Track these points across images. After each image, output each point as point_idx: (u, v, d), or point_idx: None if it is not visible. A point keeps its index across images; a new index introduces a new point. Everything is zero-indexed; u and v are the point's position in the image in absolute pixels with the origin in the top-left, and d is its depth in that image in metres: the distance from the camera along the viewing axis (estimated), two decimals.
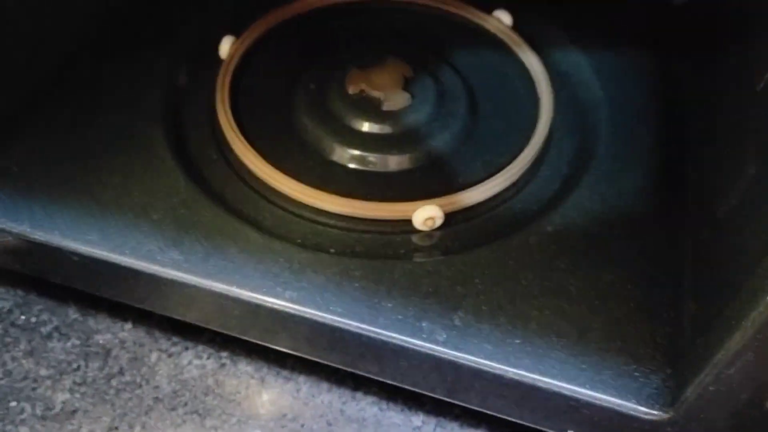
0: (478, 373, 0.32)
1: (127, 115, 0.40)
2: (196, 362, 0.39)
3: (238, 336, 0.37)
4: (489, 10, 0.49)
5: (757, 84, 0.33)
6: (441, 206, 0.37)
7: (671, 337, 0.32)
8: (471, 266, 0.35)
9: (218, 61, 0.44)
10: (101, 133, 0.40)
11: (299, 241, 0.36)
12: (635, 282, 0.35)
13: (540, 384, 0.31)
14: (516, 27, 0.48)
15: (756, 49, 0.36)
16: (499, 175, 0.39)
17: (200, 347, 0.40)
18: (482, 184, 0.38)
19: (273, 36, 0.47)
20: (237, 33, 0.46)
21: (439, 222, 0.37)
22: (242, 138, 0.39)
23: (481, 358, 0.32)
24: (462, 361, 0.32)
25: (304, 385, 0.38)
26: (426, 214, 0.36)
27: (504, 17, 0.48)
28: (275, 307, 0.33)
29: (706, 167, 0.38)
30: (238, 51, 0.44)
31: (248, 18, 0.47)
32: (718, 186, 0.35)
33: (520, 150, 0.40)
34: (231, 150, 0.40)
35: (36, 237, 0.36)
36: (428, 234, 0.37)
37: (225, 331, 0.37)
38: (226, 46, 0.44)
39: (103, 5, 0.47)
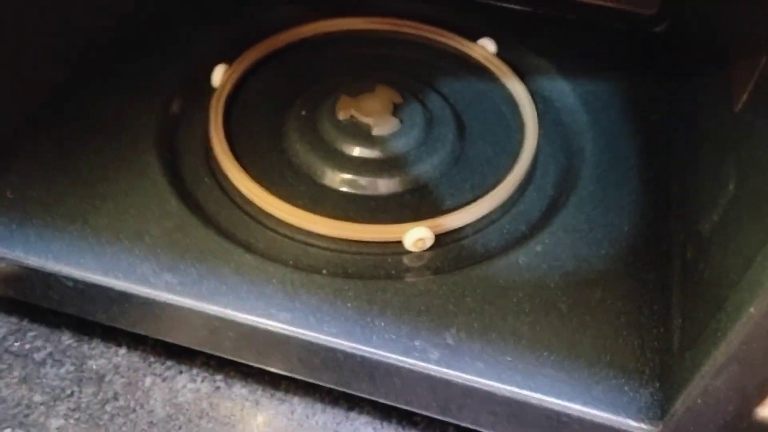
0: (470, 391, 0.32)
1: (121, 142, 0.41)
2: (190, 386, 0.39)
3: (232, 358, 0.37)
4: (474, 39, 0.50)
5: (735, 105, 0.34)
6: (431, 228, 0.38)
7: (660, 351, 0.33)
8: (462, 285, 0.35)
9: (211, 89, 0.45)
10: (95, 159, 0.41)
11: (292, 263, 0.36)
12: (624, 299, 0.35)
13: (531, 400, 0.31)
14: (500, 55, 0.49)
15: (732, 72, 0.37)
16: (487, 197, 0.40)
17: (194, 371, 0.40)
18: (471, 205, 0.39)
19: (264, 64, 0.48)
20: (229, 61, 0.47)
21: (429, 243, 0.38)
22: (235, 163, 0.40)
23: (474, 375, 0.32)
24: (455, 379, 0.32)
25: (298, 406, 0.38)
26: (416, 236, 0.37)
27: (489, 45, 0.50)
28: (269, 328, 0.34)
29: (690, 186, 0.39)
30: (231, 78, 0.45)
31: (240, 47, 0.48)
32: (702, 204, 0.36)
33: (507, 172, 0.41)
34: (224, 174, 0.41)
35: (30, 262, 0.36)
36: (419, 255, 0.38)
37: (219, 354, 0.37)
38: (219, 74, 0.45)
39: (98, 34, 0.48)
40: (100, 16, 0.48)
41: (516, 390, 0.31)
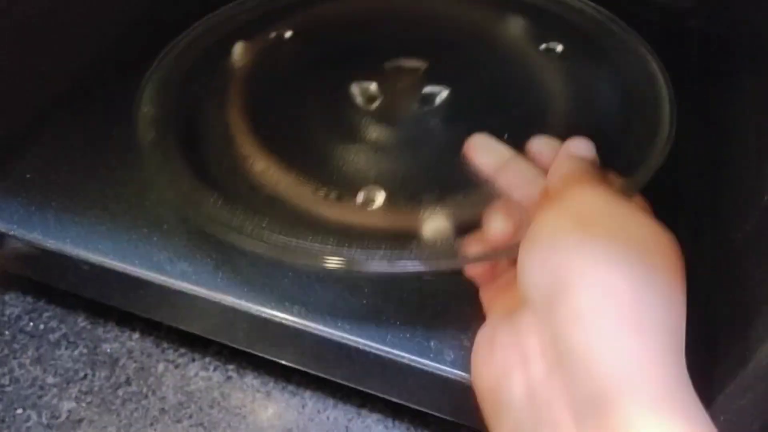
0: None
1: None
2: (202, 374, 0.39)
3: (245, 349, 0.37)
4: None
5: None
6: (449, 217, 0.36)
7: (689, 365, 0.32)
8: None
9: (229, 69, 0.44)
10: (115, 145, 0.40)
11: (308, 255, 0.36)
12: None
13: None
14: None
15: None
16: None
17: (207, 359, 0.39)
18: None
19: (286, 41, 0.47)
20: (249, 38, 0.45)
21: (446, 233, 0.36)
22: (257, 149, 0.39)
23: None
24: (470, 382, 0.31)
25: (309, 400, 0.38)
26: (435, 226, 0.36)
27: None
28: (282, 321, 0.33)
29: (721, 192, 0.38)
30: (250, 56, 0.44)
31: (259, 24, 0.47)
32: (734, 212, 0.35)
33: None
34: (244, 161, 0.39)
35: (48, 245, 0.36)
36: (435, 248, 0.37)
37: (232, 344, 0.37)
38: (238, 51, 0.44)
39: (119, 18, 0.47)
40: (124, 10, 0.47)
41: None
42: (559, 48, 0.46)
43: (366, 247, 0.34)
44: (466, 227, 0.33)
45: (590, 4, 0.47)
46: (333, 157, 0.39)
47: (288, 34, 0.47)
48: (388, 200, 0.36)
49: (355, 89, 0.42)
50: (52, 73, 0.42)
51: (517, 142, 0.37)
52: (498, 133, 0.39)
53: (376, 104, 0.41)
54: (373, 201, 0.36)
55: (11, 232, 0.36)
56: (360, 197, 0.36)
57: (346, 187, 0.37)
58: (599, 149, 0.35)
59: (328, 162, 0.39)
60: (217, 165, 0.38)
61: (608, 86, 0.43)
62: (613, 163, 0.34)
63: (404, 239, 0.34)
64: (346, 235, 0.35)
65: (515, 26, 0.48)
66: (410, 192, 0.38)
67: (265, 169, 0.38)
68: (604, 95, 0.43)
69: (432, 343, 0.32)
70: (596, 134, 0.38)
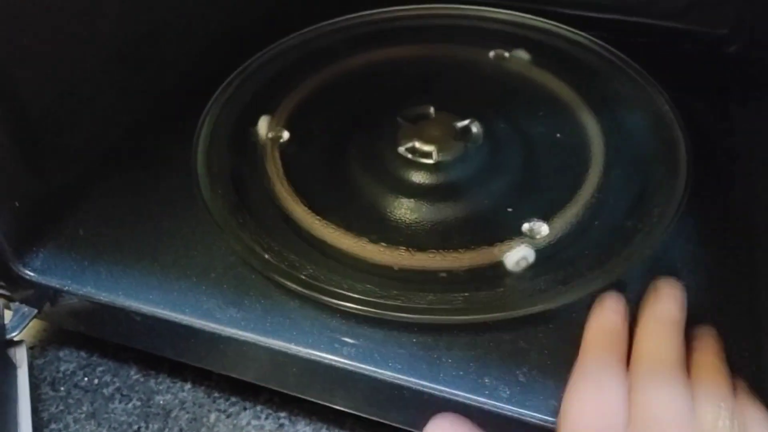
0: (545, 431, 0.30)
1: (187, 180, 0.41)
2: (254, 422, 0.38)
3: (296, 395, 0.36)
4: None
5: None
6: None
7: (755, 392, 0.30)
8: (533, 320, 0.34)
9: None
10: (163, 197, 0.41)
11: (356, 296, 0.35)
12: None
13: None
14: (563, 78, 0.48)
15: None
16: (558, 217, 0.38)
17: (258, 407, 0.39)
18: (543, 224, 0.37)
19: (309, 104, 0.48)
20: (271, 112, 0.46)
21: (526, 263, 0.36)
22: (298, 199, 0.40)
23: (548, 415, 0.30)
24: (528, 419, 0.30)
25: None
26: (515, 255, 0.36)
27: (523, 55, 0.49)
28: (333, 363, 0.33)
29: None
30: (280, 126, 0.45)
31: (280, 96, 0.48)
32: None
33: (576, 195, 0.39)
34: (287, 210, 0.40)
35: (100, 298, 0.37)
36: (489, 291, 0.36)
37: (283, 390, 0.37)
38: (263, 125, 0.45)
39: (166, 77, 0.49)
40: (170, 69, 0.49)
41: None
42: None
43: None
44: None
45: (612, 50, 0.48)
46: (379, 206, 0.40)
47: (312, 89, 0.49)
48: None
49: (400, 144, 0.42)
50: (101, 130, 0.44)
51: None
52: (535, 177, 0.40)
53: (418, 154, 0.42)
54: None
55: (65, 288, 0.37)
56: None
57: (394, 234, 0.38)
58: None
59: (375, 211, 0.40)
60: (269, 218, 0.40)
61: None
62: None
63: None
64: (391, 278, 0.36)
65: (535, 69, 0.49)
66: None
67: (311, 220, 0.39)
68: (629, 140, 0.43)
69: (486, 380, 0.31)
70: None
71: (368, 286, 0.35)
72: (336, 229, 0.38)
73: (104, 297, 0.37)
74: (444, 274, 0.36)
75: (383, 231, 0.38)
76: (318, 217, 0.39)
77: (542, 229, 0.37)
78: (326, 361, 0.33)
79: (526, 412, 0.30)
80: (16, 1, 0.36)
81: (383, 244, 0.37)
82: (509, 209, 0.39)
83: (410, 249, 0.37)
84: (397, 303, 0.34)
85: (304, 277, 0.35)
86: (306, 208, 0.39)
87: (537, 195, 0.40)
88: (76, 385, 0.41)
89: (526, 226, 0.37)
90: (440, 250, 0.36)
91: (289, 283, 0.35)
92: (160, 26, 0.47)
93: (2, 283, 0.39)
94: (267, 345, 0.34)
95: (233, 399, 0.39)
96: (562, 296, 0.34)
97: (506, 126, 0.44)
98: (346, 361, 0.33)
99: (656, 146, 0.42)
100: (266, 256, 0.36)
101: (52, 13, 0.38)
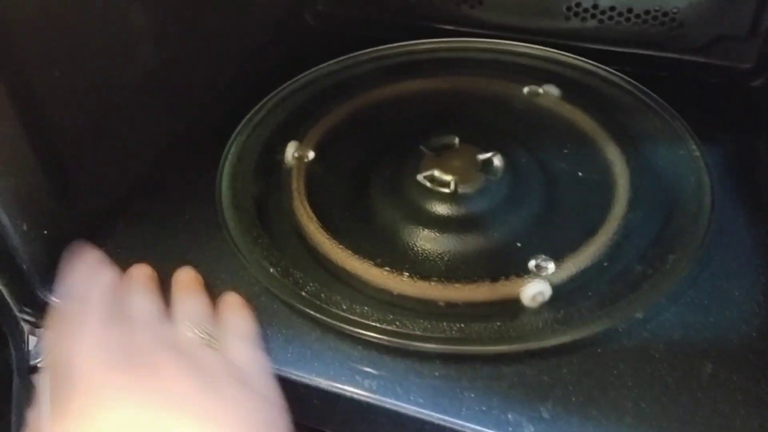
0: None
1: (211, 210, 0.42)
2: None
3: (318, 427, 0.36)
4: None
5: None
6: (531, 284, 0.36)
7: None
8: (557, 355, 0.33)
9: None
10: (188, 227, 0.42)
11: (378, 326, 0.35)
12: (739, 372, 0.32)
13: None
14: (590, 113, 0.48)
15: None
16: (581, 251, 0.38)
17: None
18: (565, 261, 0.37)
19: (337, 132, 0.49)
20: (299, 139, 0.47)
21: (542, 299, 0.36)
22: (321, 228, 0.40)
23: None
24: None
25: None
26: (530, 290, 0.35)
27: (552, 91, 0.49)
28: (354, 396, 0.33)
29: None
30: (306, 151, 0.46)
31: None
32: None
33: (600, 228, 0.39)
34: (311, 241, 0.40)
35: None
36: (508, 322, 0.36)
37: (304, 422, 0.36)
38: (291, 150, 0.46)
39: (189, 110, 0.50)
40: (197, 99, 0.50)
41: None
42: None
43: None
44: None
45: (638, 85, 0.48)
46: (402, 237, 0.40)
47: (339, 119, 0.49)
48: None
49: (421, 172, 0.43)
50: (130, 161, 0.45)
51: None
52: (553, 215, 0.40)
53: (437, 183, 0.42)
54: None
55: None
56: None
57: (416, 265, 0.38)
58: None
59: (386, 235, 0.40)
60: (285, 235, 0.40)
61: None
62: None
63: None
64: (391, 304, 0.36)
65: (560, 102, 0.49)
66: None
67: (322, 238, 0.39)
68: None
69: (510, 416, 0.31)
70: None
71: (366, 308, 0.35)
72: (344, 250, 0.38)
73: None
74: (442, 304, 0.36)
75: (390, 255, 0.39)
76: (327, 235, 0.39)
77: (549, 266, 0.37)
78: (347, 393, 0.33)
79: None
80: (49, 35, 0.37)
81: (387, 268, 0.37)
82: (519, 245, 0.39)
83: (414, 275, 0.37)
84: (417, 332, 0.34)
85: (310, 298, 0.36)
86: (319, 226, 0.40)
87: (553, 232, 0.40)
88: None
89: (532, 263, 0.37)
90: (442, 280, 0.37)
91: (301, 306, 0.35)
92: (191, 57, 0.48)
93: (28, 310, 0.39)
94: (286, 376, 0.34)
95: None
96: (576, 330, 0.34)
97: (530, 161, 0.44)
98: (367, 394, 0.33)
99: (681, 189, 0.41)
100: (289, 285, 0.37)
101: (84, 47, 0.40)
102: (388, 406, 0.32)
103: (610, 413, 0.31)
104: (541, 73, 0.51)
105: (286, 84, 0.51)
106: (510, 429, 0.31)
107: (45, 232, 0.38)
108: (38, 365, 0.39)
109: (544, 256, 0.37)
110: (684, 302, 0.36)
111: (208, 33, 0.51)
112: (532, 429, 0.31)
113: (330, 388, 0.33)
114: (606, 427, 0.30)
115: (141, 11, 0.44)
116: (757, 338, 0.34)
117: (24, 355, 0.39)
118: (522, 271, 0.37)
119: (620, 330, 0.34)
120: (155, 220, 0.43)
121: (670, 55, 0.52)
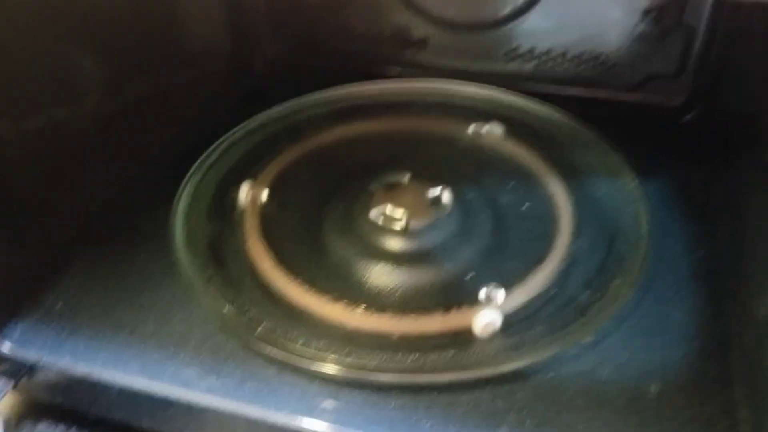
0: None
1: (164, 252, 0.42)
2: None
3: None
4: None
5: None
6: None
7: None
8: (510, 381, 0.34)
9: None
10: (142, 267, 0.42)
11: (334, 360, 0.36)
12: (684, 391, 0.34)
13: None
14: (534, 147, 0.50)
15: None
16: (528, 281, 0.39)
17: None
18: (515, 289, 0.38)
19: (290, 173, 0.50)
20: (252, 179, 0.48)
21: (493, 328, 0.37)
22: (276, 266, 0.41)
23: None
24: None
25: None
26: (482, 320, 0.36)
27: (496, 129, 0.51)
28: (313, 430, 0.33)
29: (742, 272, 0.38)
30: (260, 190, 0.47)
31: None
32: (756, 289, 0.35)
33: (546, 258, 0.41)
34: (266, 279, 0.41)
35: (78, 370, 0.37)
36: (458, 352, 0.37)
37: None
38: (244, 190, 0.46)
39: (143, 155, 0.50)
40: (149, 144, 0.51)
41: None
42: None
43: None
44: None
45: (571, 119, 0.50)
46: (345, 267, 0.41)
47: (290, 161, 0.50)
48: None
49: (371, 209, 0.44)
50: (81, 204, 0.45)
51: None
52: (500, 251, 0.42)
53: (388, 219, 0.43)
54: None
55: (43, 360, 0.37)
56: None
57: (371, 299, 0.39)
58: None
59: (341, 271, 0.41)
60: (247, 286, 0.41)
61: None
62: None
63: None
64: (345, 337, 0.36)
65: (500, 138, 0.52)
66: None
67: (290, 287, 0.40)
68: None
69: None
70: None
71: (322, 342, 0.36)
72: (299, 286, 0.39)
73: (82, 369, 0.36)
74: (397, 336, 0.37)
75: (345, 290, 0.39)
76: (282, 272, 0.40)
77: (499, 296, 0.38)
78: (306, 427, 0.33)
79: None
80: None
81: (342, 303, 0.38)
82: (469, 276, 0.40)
83: (369, 309, 0.38)
84: (373, 364, 0.34)
85: (265, 334, 0.36)
86: (274, 264, 0.41)
87: (502, 263, 0.41)
88: None
89: (482, 294, 0.38)
90: (397, 312, 0.38)
91: (256, 343, 0.36)
92: (142, 103, 0.49)
93: None
94: (244, 413, 0.34)
95: None
96: (528, 356, 0.35)
97: (477, 195, 0.46)
98: (326, 426, 0.33)
99: (620, 219, 0.43)
100: (244, 322, 0.37)
101: (36, 95, 0.40)
102: None
103: None
104: (485, 112, 0.53)
105: (238, 127, 0.52)
106: None
107: None
108: None
109: (494, 286, 0.38)
110: (628, 326, 0.37)
111: (160, 79, 0.51)
112: None
113: (288, 424, 0.33)
114: None
115: (92, 59, 0.45)
116: (698, 358, 0.35)
117: None
118: (473, 302, 0.38)
119: (570, 354, 0.35)
120: (109, 261, 0.43)
121: (606, 93, 0.55)
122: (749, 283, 0.36)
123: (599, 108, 0.55)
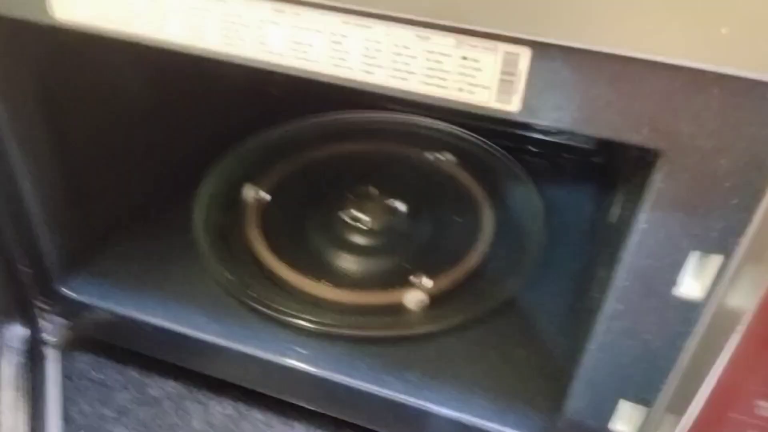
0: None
1: (185, 234, 0.56)
2: (219, 409, 0.52)
3: (254, 389, 0.50)
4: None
5: (612, 217, 0.48)
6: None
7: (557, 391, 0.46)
8: (425, 340, 0.49)
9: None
10: (168, 245, 0.56)
11: (304, 317, 0.50)
12: (541, 355, 0.49)
13: (462, 420, 0.44)
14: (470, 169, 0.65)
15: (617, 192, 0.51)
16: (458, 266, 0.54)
17: (224, 399, 0.53)
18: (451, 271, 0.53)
19: (285, 179, 0.64)
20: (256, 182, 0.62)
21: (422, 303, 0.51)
22: (267, 249, 0.55)
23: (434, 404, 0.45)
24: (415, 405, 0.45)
25: (299, 428, 0.51)
26: (413, 298, 0.51)
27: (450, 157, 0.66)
28: (285, 365, 0.47)
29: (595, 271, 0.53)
30: (260, 191, 0.61)
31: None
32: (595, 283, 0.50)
33: (468, 254, 0.55)
34: (259, 257, 0.55)
35: (118, 312, 0.51)
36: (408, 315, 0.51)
37: (245, 385, 0.51)
38: (249, 191, 0.60)
39: (170, 158, 0.65)
40: (176, 153, 0.65)
41: (452, 412, 0.45)
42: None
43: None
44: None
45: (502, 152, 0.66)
46: (327, 257, 0.56)
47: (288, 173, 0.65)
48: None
49: (344, 213, 0.58)
50: (122, 196, 0.59)
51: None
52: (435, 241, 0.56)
53: (355, 220, 0.58)
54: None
55: (93, 303, 0.51)
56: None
57: (336, 277, 0.54)
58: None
59: (320, 258, 0.56)
60: (245, 262, 0.55)
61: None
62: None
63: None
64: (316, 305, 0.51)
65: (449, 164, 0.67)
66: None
67: (276, 264, 0.54)
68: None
69: (386, 378, 0.46)
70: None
71: (295, 305, 0.50)
72: (282, 264, 0.54)
73: (121, 311, 0.51)
74: (351, 304, 0.51)
75: (318, 269, 0.54)
76: (272, 254, 0.54)
77: (426, 280, 0.52)
78: (280, 362, 0.48)
79: (420, 401, 0.45)
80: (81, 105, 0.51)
81: (313, 278, 0.53)
82: (409, 265, 0.55)
83: (332, 283, 0.52)
84: (330, 322, 0.49)
85: (256, 296, 0.51)
86: (265, 247, 0.55)
87: (435, 257, 0.56)
88: (86, 377, 0.54)
89: (416, 278, 0.53)
90: (353, 288, 0.52)
91: (249, 302, 0.50)
92: (178, 121, 0.63)
93: (42, 298, 0.53)
94: (236, 348, 0.48)
95: (206, 392, 0.53)
96: (438, 324, 0.50)
97: (424, 207, 0.60)
98: (293, 363, 0.47)
99: (527, 231, 0.58)
100: (241, 286, 0.51)
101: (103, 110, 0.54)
102: (311, 372, 0.47)
103: (458, 380, 0.47)
104: (440, 142, 0.68)
105: (247, 140, 0.66)
106: (385, 387, 0.46)
107: (64, 239, 0.52)
108: (50, 341, 0.52)
109: (425, 273, 0.53)
110: (517, 306, 0.52)
111: (189, 103, 0.65)
112: (401, 388, 0.46)
113: (266, 358, 0.48)
114: (452, 387, 0.46)
115: (140, 88, 0.58)
116: (558, 333, 0.50)
117: (34, 334, 0.53)
118: (408, 284, 0.52)
119: (467, 326, 0.50)
120: (144, 237, 0.57)
121: (533, 134, 0.69)
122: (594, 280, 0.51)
123: (529, 145, 0.70)
